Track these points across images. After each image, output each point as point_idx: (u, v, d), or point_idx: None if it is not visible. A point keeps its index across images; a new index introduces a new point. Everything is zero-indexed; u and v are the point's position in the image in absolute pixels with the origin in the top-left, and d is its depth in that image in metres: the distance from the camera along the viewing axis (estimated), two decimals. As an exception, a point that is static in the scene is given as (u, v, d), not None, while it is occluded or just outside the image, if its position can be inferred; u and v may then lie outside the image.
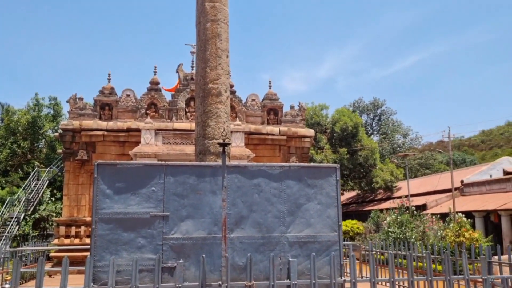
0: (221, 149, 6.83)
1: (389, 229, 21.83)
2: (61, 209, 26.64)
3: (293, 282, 5.84)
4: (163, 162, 6.14)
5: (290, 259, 6.04)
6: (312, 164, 7.21)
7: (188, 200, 6.03)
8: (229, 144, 5.85)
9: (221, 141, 5.72)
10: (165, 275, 5.80)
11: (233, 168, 6.20)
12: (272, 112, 20.89)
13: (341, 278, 6.02)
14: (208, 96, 7.29)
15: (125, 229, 5.86)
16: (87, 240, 17.56)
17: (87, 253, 16.28)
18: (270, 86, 21.52)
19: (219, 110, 7.29)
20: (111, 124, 18.78)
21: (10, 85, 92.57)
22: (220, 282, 5.58)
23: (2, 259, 12.63)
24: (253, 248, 6.04)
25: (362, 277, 9.41)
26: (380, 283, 12.03)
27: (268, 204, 6.20)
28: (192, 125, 19.14)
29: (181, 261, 5.68)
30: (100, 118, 19.12)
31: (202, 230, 5.99)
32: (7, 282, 12.22)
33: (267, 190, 6.22)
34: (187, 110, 19.98)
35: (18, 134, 35.21)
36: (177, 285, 5.52)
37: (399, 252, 11.71)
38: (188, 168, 6.12)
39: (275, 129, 20.13)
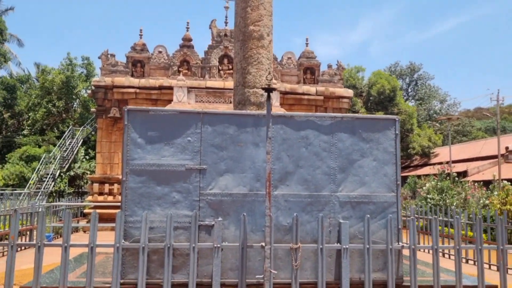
0: (262, 99, 6.12)
1: (428, 196, 20.90)
2: (95, 167, 26.93)
3: (344, 246, 5.21)
4: (200, 110, 5.50)
5: (341, 220, 5.39)
6: (368, 115, 6.38)
7: (227, 153, 5.41)
8: (275, 89, 5.13)
9: (265, 86, 4.99)
10: (202, 234, 5.28)
11: (278, 118, 5.50)
12: (309, 71, 19.88)
13: (399, 244, 5.35)
14: (249, 40, 6.53)
15: (158, 182, 5.32)
16: (120, 198, 17.50)
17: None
18: (307, 44, 20.43)
19: (260, 56, 6.54)
20: (143, 81, 18.32)
21: (43, 43, 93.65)
22: (263, 244, 5.01)
23: (37, 213, 12.59)
24: (299, 208, 5.41)
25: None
26: (423, 250, 11.38)
27: (316, 159, 5.51)
28: (226, 84, 18.44)
29: (219, 219, 5.12)
30: (132, 75, 18.67)
31: (242, 186, 5.38)
32: (42, 236, 12.22)
33: (316, 143, 5.52)
34: (220, 68, 19.24)
35: (53, 94, 35.54)
36: (215, 245, 4.99)
37: (447, 219, 10.93)
38: (227, 117, 5.47)
39: (311, 88, 19.20)
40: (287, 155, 5.46)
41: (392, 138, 5.60)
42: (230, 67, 19.19)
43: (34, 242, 5.10)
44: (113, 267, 4.91)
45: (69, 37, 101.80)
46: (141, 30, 19.31)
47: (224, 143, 5.40)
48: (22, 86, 45.13)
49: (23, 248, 11.53)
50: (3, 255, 10.59)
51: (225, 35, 19.41)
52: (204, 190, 5.34)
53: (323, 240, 5.13)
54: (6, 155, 37.41)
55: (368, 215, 5.19)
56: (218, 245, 5.00)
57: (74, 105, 38.01)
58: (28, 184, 23.23)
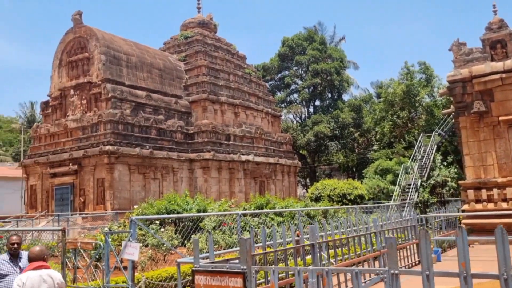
0: None
1: None
2: (455, 173, 24.73)
3: None
4: None
5: None
6: None
7: None
8: None
9: None
10: None
11: None
12: None
13: None
14: None
15: None
16: (503, 205, 14.71)
17: (507, 220, 13.43)
18: None
19: None
20: (508, 63, 15.16)
21: (374, 60, 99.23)
22: None
23: (410, 227, 11.62)
24: None
25: None
26: None
27: None
28: None
29: None
30: (492, 60, 15.81)
31: None
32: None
33: None
34: None
35: (395, 106, 35.87)
36: None
37: None
38: None
39: None
40: None
41: None
42: None
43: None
44: None
45: (399, 46, 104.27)
46: (494, 5, 16.33)
47: None
48: (366, 105, 48.23)
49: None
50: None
51: None
52: None
53: None
54: (363, 171, 40.17)
55: None
56: None
57: (418, 113, 37.19)
58: (393, 196, 23.39)
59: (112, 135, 23.32)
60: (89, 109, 25.06)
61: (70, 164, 24.02)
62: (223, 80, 30.77)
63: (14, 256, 5.86)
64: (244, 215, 13.87)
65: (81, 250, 7.18)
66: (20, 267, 5.77)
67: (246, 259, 4.22)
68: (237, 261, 5.36)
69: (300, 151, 45.26)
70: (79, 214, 22.81)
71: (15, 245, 5.88)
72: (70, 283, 7.33)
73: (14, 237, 5.99)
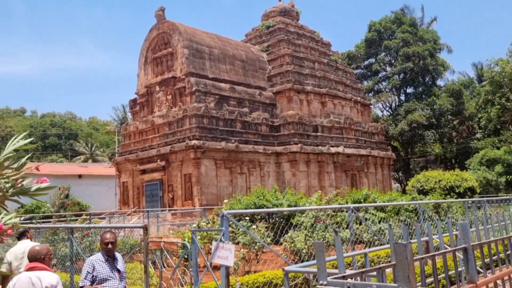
0: None
1: None
2: None
3: None
4: None
5: None
6: None
7: None
8: None
9: None
10: None
11: None
12: None
13: None
14: None
15: None
16: None
17: None
18: None
19: None
20: None
21: (475, 41, 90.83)
22: None
23: None
24: None
25: None
26: None
27: None
28: None
29: None
30: None
31: None
32: None
33: None
34: None
35: (504, 87, 31.62)
36: None
37: None
38: None
39: None
40: None
41: None
42: None
43: None
44: None
45: (500, 23, 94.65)
46: None
47: None
48: (466, 90, 43.61)
49: None
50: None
51: None
52: None
53: None
54: (464, 162, 36.17)
55: None
56: None
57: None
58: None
59: (197, 129, 22.76)
60: (174, 104, 24.81)
61: (158, 160, 23.92)
62: (308, 68, 29.07)
63: (110, 257, 4.94)
64: (346, 210, 12.26)
65: (165, 251, 6.04)
66: (118, 270, 4.90)
67: (408, 276, 2.61)
68: (374, 273, 3.74)
69: (392, 142, 42.09)
70: (168, 210, 22.58)
71: (109, 245, 4.91)
72: (155, 289, 6.24)
73: (108, 235, 4.96)
